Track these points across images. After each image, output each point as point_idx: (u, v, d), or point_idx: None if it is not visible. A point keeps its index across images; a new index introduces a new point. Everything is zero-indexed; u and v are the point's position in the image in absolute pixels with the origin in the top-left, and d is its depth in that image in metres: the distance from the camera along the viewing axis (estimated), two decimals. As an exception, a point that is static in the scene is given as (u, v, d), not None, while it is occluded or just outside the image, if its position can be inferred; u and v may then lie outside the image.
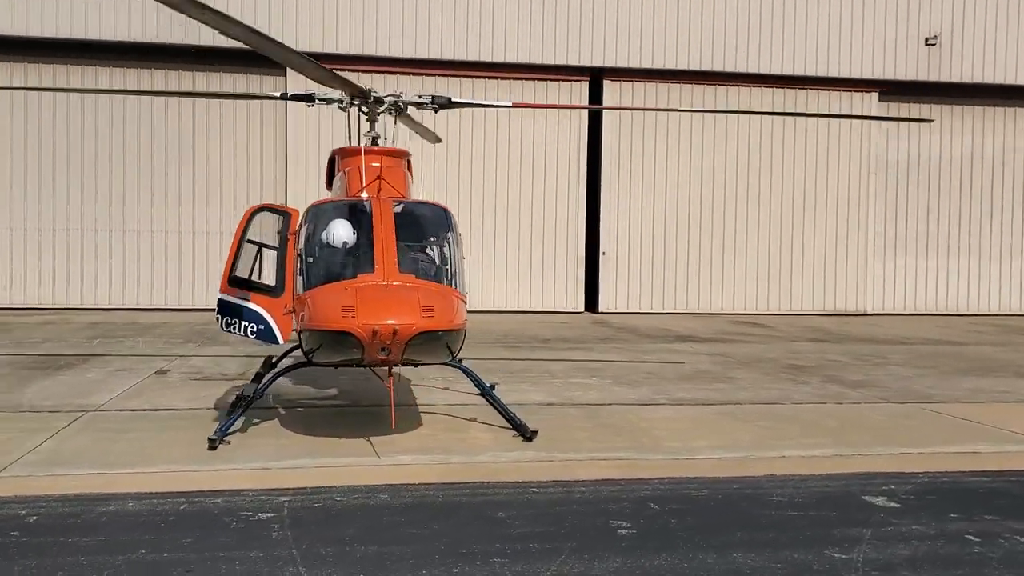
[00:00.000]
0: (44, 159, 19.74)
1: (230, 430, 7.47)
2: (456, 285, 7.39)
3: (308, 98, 8.64)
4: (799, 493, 6.22)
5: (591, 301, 21.91)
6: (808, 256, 22.42)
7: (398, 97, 8.92)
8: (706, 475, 6.66)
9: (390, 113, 8.93)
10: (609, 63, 21.20)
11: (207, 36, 16.70)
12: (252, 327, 7.53)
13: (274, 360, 9.08)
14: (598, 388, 10.47)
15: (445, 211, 7.70)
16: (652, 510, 5.75)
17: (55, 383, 10.09)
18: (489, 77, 20.99)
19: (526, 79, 21.11)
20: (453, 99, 9.28)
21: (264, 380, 7.77)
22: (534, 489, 6.21)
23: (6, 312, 18.85)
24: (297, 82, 17.20)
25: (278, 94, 8.73)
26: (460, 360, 8.00)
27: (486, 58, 20.61)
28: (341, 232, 7.16)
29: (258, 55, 8.14)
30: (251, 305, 7.49)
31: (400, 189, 7.76)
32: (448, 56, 20.47)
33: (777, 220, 22.26)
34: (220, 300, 7.66)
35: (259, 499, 5.81)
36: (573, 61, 21.00)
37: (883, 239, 22.85)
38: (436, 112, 9.52)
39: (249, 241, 7.64)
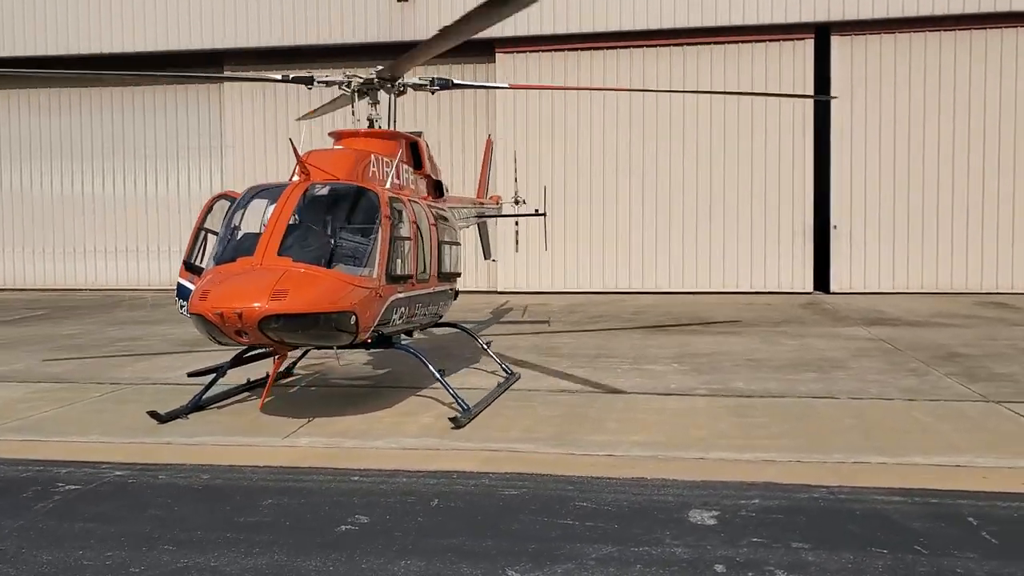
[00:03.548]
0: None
1: (202, 404, 8.02)
2: (366, 269, 7.19)
3: (308, 80, 8.95)
4: (627, 500, 5.38)
5: (822, 280, 20.02)
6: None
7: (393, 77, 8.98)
8: (568, 474, 5.97)
9: (391, 93, 9.02)
10: (836, 15, 19.12)
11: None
12: None
13: None
14: (656, 376, 9.64)
15: (370, 194, 7.50)
16: (429, 507, 5.31)
17: (174, 359, 11.30)
18: (701, 43, 19.90)
19: (741, 42, 19.74)
20: (454, 81, 9.18)
21: (222, 364, 8.20)
22: (354, 477, 5.99)
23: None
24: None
25: (279, 76, 9.04)
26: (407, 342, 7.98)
27: (694, 23, 19.50)
28: (240, 216, 7.36)
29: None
30: (193, 288, 7.92)
31: (339, 173, 7.71)
32: (654, 25, 19.69)
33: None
34: (178, 284, 8.18)
35: (100, 472, 6.17)
36: (793, 17, 19.23)
37: None
38: (433, 93, 9.41)
39: (203, 228, 8.05)
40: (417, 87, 9.17)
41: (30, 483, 5.96)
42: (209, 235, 8.06)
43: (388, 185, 8.19)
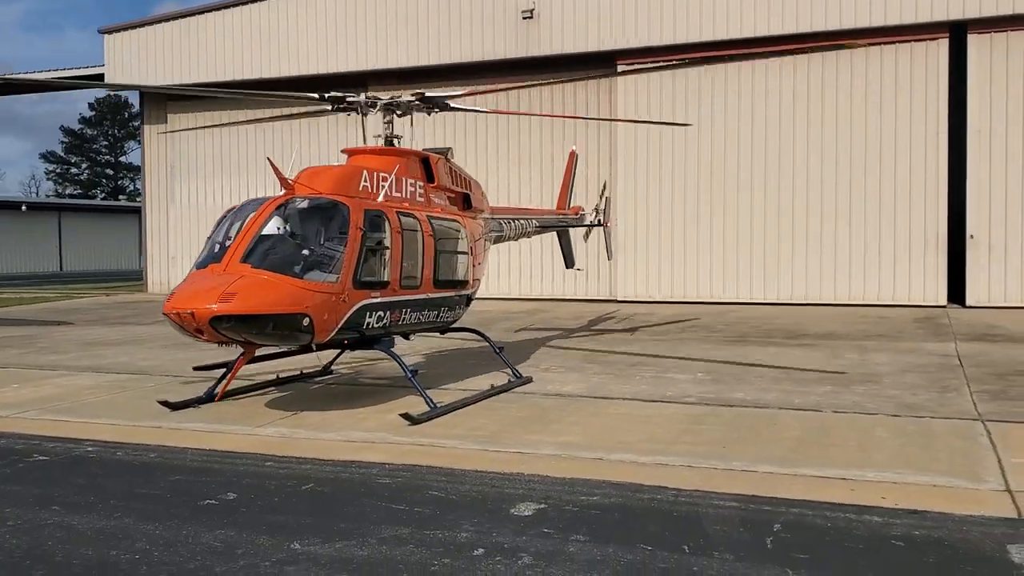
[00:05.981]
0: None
1: (214, 393, 8.94)
2: (331, 275, 7.74)
3: (333, 101, 9.76)
4: (476, 491, 5.72)
5: (958, 293, 18.80)
6: None
7: (394, 98, 9.64)
8: (454, 467, 6.34)
9: (395, 114, 9.69)
10: (972, 13, 17.98)
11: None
12: None
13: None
14: (665, 384, 9.70)
15: (341, 206, 8.05)
16: (298, 490, 5.86)
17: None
18: (827, 48, 19.19)
19: (871, 44, 18.89)
20: (450, 103, 9.72)
21: (231, 361, 9.10)
22: (268, 463, 6.62)
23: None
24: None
25: (316, 95, 9.84)
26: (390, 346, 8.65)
27: (832, 26, 18.79)
28: (226, 226, 8.13)
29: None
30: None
31: (321, 187, 8.36)
32: (776, 31, 19.24)
33: None
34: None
35: (76, 448, 7.18)
36: (924, 16, 18.25)
37: None
38: (429, 115, 9.95)
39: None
40: (418, 108, 9.75)
41: (13, 453, 7.03)
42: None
43: (381, 198, 8.78)
